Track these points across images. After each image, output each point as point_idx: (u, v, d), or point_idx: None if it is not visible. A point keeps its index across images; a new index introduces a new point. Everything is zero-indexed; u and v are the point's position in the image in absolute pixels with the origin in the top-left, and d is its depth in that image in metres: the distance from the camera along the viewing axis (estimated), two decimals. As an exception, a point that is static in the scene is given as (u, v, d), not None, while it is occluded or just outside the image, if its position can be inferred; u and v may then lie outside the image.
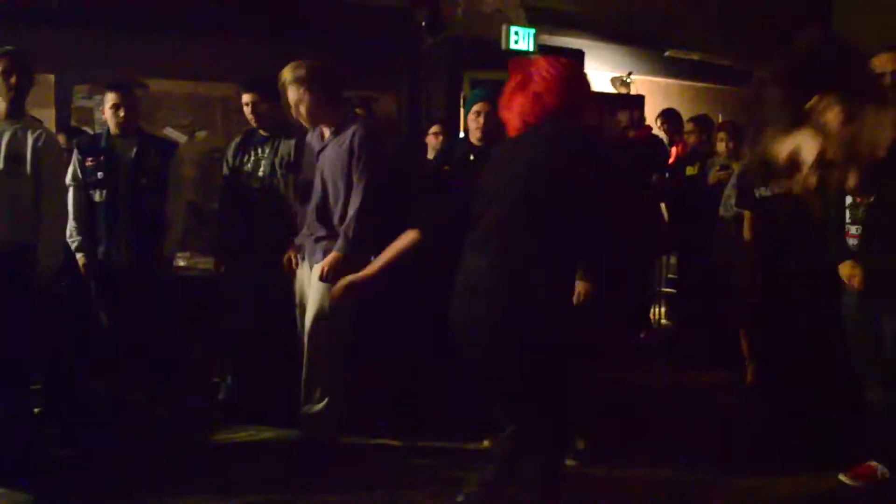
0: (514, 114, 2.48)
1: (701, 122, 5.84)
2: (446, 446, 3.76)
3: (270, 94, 4.04)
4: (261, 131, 4.14)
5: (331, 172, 3.53)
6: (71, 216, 3.93)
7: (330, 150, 3.56)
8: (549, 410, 2.40)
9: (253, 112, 4.09)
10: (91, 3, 5.46)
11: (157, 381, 4.11)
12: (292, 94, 3.50)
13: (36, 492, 3.16)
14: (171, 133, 4.88)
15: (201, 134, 5.85)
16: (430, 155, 5.26)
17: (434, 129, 5.38)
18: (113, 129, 3.97)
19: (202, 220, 5.25)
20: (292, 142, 3.99)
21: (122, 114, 3.93)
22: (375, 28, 6.34)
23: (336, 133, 3.55)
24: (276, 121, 4.09)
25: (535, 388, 2.34)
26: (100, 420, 3.99)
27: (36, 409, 3.89)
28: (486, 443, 3.50)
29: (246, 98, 4.09)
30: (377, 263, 2.51)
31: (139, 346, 4.02)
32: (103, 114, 4.16)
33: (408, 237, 2.49)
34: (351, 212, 3.44)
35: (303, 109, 3.50)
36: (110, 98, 3.91)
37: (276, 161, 4.02)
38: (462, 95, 6.71)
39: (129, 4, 5.65)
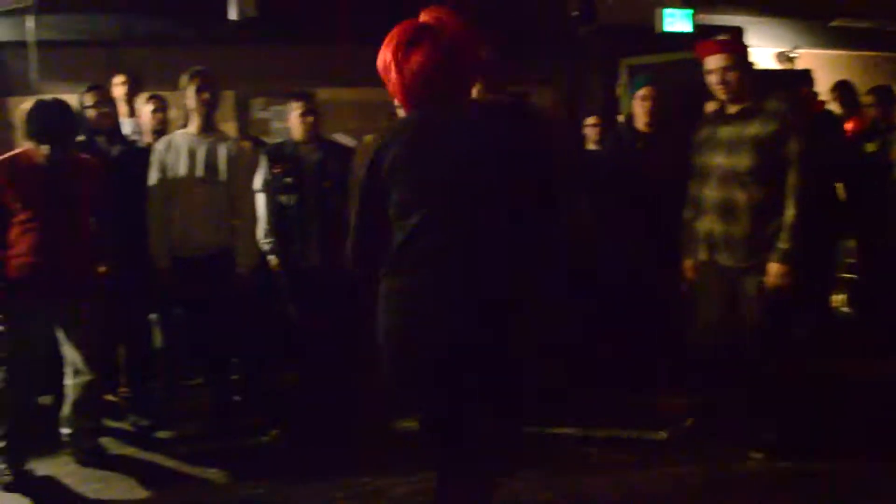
0: (414, 78, 2.04)
1: (881, 93, 5.46)
2: (621, 435, 3.77)
3: None
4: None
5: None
6: (263, 220, 4.24)
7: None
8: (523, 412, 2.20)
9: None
10: (264, 21, 5.85)
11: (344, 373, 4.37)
12: None
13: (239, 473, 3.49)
14: (340, 138, 5.15)
15: (368, 138, 6.13)
16: (590, 146, 5.27)
17: (591, 120, 5.37)
18: (299, 136, 4.23)
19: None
20: None
21: (310, 120, 4.19)
22: (527, 22, 6.41)
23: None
24: None
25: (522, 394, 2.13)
26: (293, 406, 4.32)
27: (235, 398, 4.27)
28: (662, 433, 3.51)
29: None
30: None
31: (328, 340, 4.28)
32: (286, 123, 4.46)
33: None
34: None
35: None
36: (297, 106, 4.17)
37: None
38: (618, 83, 6.65)
39: (298, 20, 6.01)
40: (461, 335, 2.01)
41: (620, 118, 6.34)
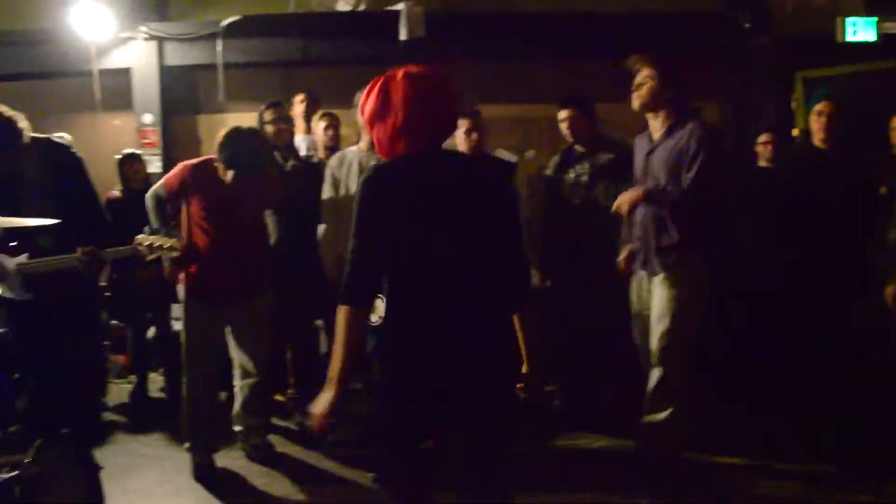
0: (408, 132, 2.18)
1: None
2: (790, 468, 3.57)
3: (586, 109, 4.20)
4: (577, 147, 4.26)
5: (662, 174, 3.46)
6: None
7: (661, 152, 3.49)
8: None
9: (569, 128, 4.22)
10: (432, 40, 6.03)
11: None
12: (640, 73, 3.47)
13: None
14: (502, 154, 5.21)
15: (530, 153, 6.16)
16: (762, 164, 5.01)
17: (764, 137, 5.10)
18: (464, 151, 4.33)
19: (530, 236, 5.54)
20: (610, 156, 4.06)
21: (474, 137, 4.28)
22: (695, 34, 6.21)
23: (669, 133, 3.48)
24: (593, 136, 4.19)
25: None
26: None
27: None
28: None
29: (562, 114, 4.24)
30: (337, 368, 2.13)
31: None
32: (452, 139, 4.55)
33: (345, 321, 2.12)
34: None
35: (644, 91, 3.46)
36: (463, 124, 4.27)
37: (595, 175, 4.11)
38: (793, 97, 6.30)
39: (464, 39, 6.15)
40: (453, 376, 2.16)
41: (795, 133, 6.01)
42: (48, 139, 3.64)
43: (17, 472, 1.95)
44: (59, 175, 3.54)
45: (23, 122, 3.44)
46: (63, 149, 3.65)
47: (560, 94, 4.41)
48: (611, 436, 4.03)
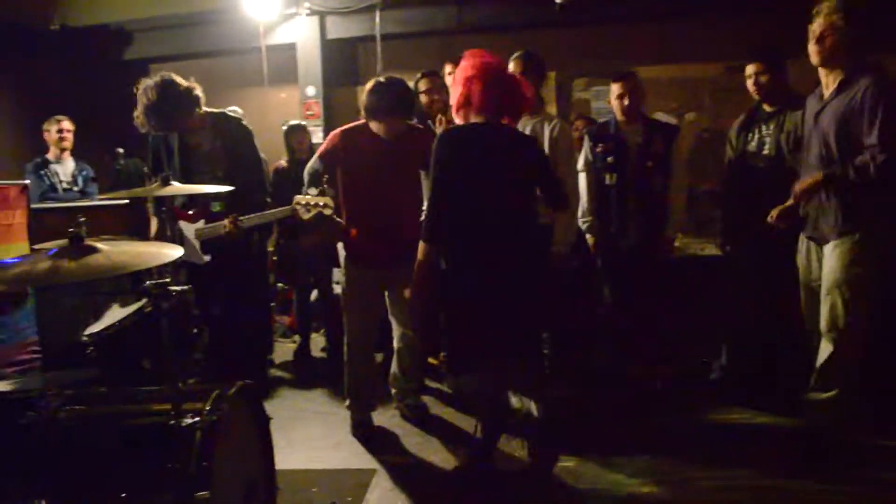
0: (491, 103, 3.10)
1: None
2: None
3: (774, 64, 3.86)
4: (765, 106, 3.95)
5: (831, 137, 3.16)
6: (584, 199, 4.29)
7: (829, 111, 3.18)
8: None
9: (755, 84, 3.90)
10: (586, 3, 5.87)
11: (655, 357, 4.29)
12: (820, 21, 3.13)
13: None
14: (662, 117, 5.02)
15: (690, 116, 5.90)
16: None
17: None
18: (621, 116, 4.20)
19: (693, 202, 5.32)
20: (799, 114, 3.70)
21: (625, 102, 4.14)
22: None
23: (839, 90, 3.16)
24: (781, 93, 3.87)
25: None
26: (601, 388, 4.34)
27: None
28: None
29: (749, 69, 3.91)
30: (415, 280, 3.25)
31: (644, 324, 4.24)
32: (608, 103, 4.44)
33: (422, 254, 3.19)
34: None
35: (828, 43, 3.13)
36: (618, 87, 4.14)
37: (782, 137, 3.78)
38: None
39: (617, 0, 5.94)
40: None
41: None
42: (222, 112, 3.88)
43: (198, 419, 2.11)
44: (230, 145, 3.78)
45: (198, 91, 3.68)
46: (235, 121, 3.88)
47: (747, 47, 4.06)
48: (772, 412, 3.82)
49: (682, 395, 4.16)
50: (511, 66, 3.91)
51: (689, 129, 5.75)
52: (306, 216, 3.50)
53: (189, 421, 2.11)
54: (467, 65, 3.13)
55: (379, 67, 6.51)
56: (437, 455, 3.60)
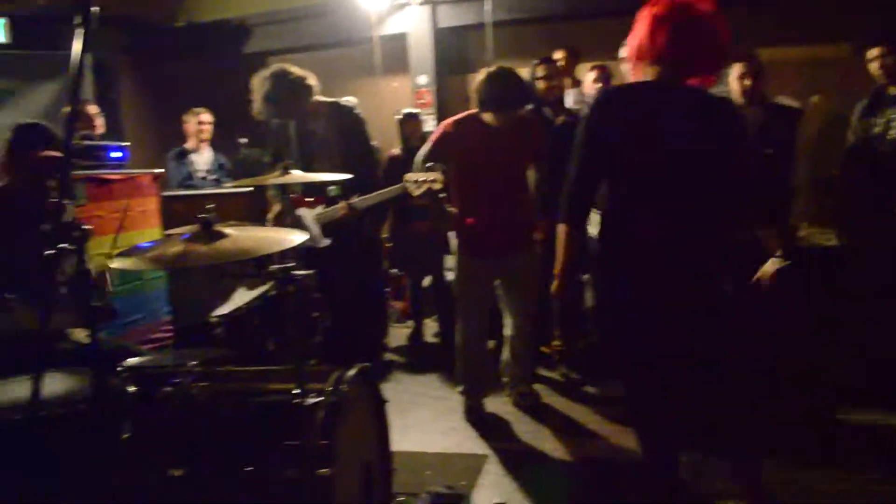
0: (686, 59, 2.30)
1: None
2: None
3: None
4: (890, 88, 3.77)
5: None
6: None
7: None
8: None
9: (881, 66, 3.75)
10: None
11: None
12: None
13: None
14: (784, 101, 4.77)
15: (814, 99, 5.61)
16: None
17: None
18: (739, 98, 4.04)
19: (817, 189, 5.06)
20: None
21: (747, 82, 3.97)
22: None
23: None
24: None
25: None
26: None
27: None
28: None
29: (873, 52, 3.78)
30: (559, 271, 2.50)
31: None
32: (727, 85, 4.27)
33: (564, 238, 2.44)
34: None
35: None
36: (738, 68, 3.98)
37: None
38: None
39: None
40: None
41: None
42: (335, 102, 3.98)
43: (320, 399, 2.18)
44: (344, 133, 3.88)
45: (311, 81, 3.79)
46: (347, 110, 3.98)
47: (867, 30, 3.92)
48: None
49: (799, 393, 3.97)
50: (621, 53, 3.78)
51: (813, 113, 5.46)
52: (417, 192, 3.53)
53: (312, 400, 2.19)
54: (654, 3, 2.37)
55: (489, 55, 6.50)
56: (549, 444, 3.58)
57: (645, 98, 2.37)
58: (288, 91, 3.70)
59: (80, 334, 2.75)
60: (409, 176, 3.57)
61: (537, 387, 4.20)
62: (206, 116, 5.98)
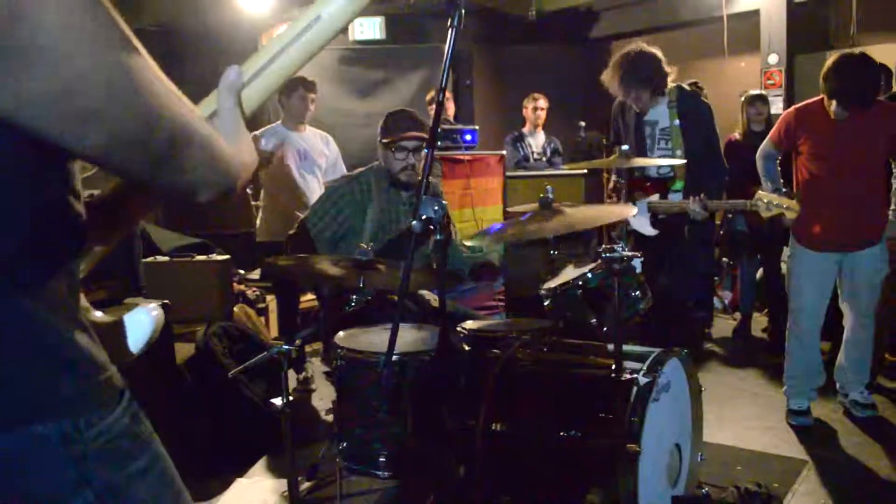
0: None
1: None
2: None
3: None
4: None
5: None
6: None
7: None
8: None
9: None
10: None
11: None
12: None
13: None
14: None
15: None
16: None
17: None
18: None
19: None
20: None
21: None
22: None
23: None
24: None
25: None
26: None
27: None
28: None
29: None
30: None
31: None
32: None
33: None
34: None
35: None
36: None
37: None
38: None
39: None
40: None
41: None
42: (678, 86, 3.95)
43: (635, 376, 2.30)
44: (687, 120, 3.84)
45: (667, 67, 3.77)
46: (692, 96, 3.91)
47: None
48: None
49: None
50: None
51: None
52: (766, 214, 3.44)
53: (627, 377, 2.31)
54: None
55: (853, 30, 5.93)
56: (877, 460, 3.29)
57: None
58: (649, 70, 3.69)
59: (430, 296, 3.16)
60: (763, 195, 3.45)
61: (876, 397, 3.85)
62: (543, 102, 6.29)
